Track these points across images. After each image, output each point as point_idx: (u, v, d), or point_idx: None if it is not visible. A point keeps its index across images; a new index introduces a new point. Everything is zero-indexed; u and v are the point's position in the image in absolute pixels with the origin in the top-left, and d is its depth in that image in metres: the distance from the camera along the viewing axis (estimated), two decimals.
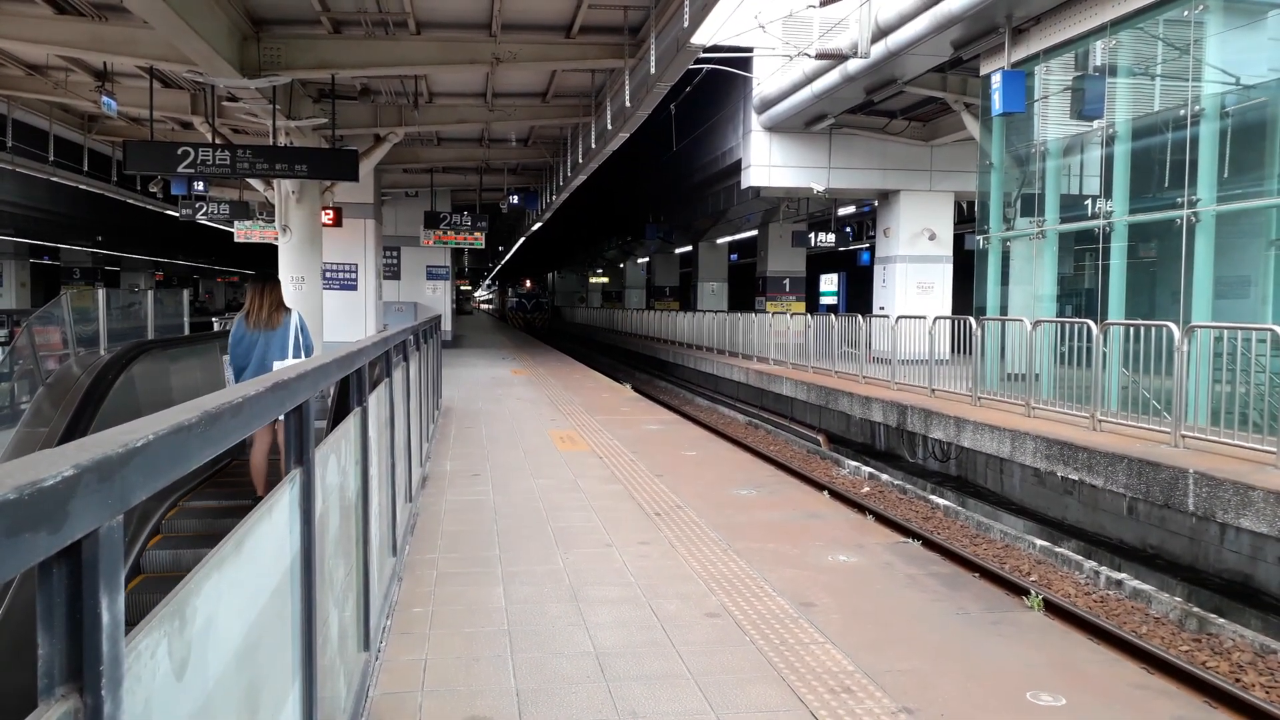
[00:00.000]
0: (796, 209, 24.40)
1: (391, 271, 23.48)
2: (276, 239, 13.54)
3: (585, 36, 11.65)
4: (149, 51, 10.57)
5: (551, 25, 11.45)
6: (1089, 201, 11.52)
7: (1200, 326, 8.08)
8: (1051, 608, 5.97)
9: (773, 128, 17.83)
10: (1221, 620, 6.10)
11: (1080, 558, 7.55)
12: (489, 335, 34.80)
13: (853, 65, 13.59)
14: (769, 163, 18.14)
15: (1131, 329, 8.56)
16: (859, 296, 27.77)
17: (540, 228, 30.49)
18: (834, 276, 28.97)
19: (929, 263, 18.14)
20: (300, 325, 6.42)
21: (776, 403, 16.77)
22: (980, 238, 13.06)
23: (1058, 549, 7.83)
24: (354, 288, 18.79)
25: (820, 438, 14.34)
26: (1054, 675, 3.58)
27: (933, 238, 18.13)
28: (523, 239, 37.00)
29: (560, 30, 11.59)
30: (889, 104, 16.57)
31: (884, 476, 11.05)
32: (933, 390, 11.69)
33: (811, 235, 24.27)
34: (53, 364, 8.35)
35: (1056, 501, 9.39)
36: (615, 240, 40.71)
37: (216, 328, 15.08)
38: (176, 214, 21.07)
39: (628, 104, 11.77)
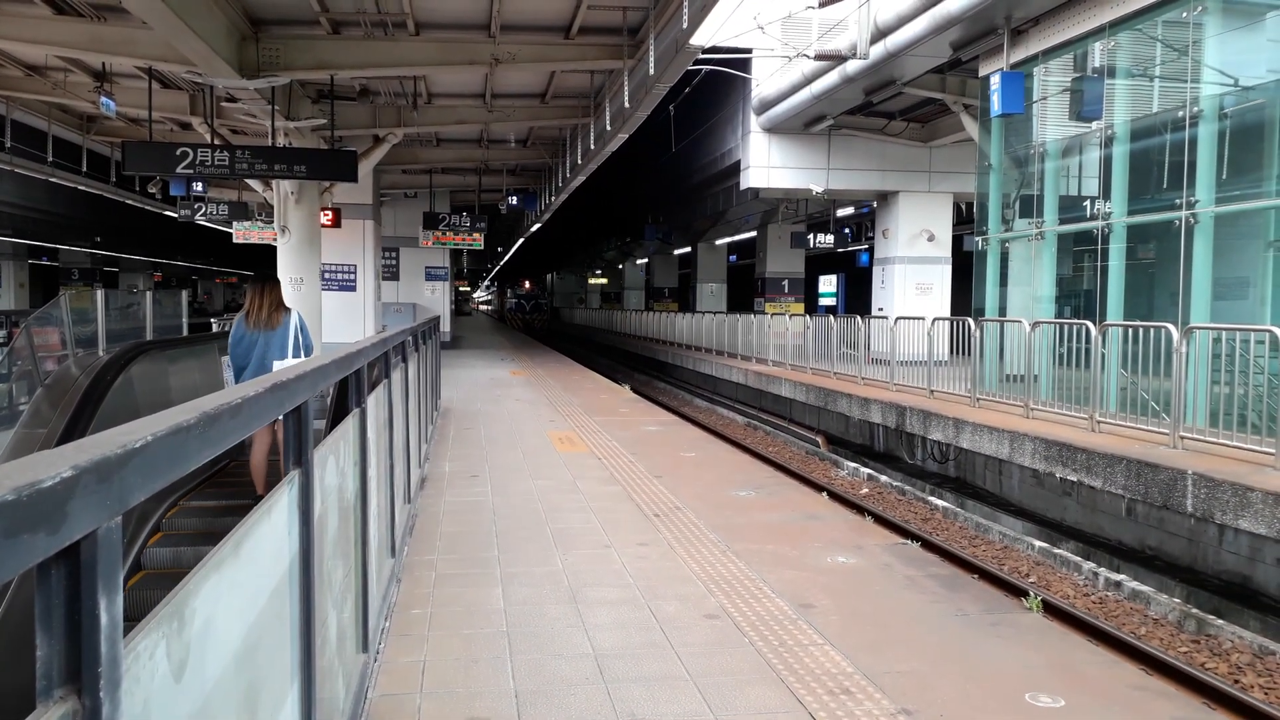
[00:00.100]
0: (795, 210, 24.41)
1: (390, 272, 23.45)
2: (275, 240, 13.51)
3: (584, 37, 11.64)
4: (148, 52, 10.56)
5: (550, 26, 11.45)
6: (1088, 203, 11.52)
7: (1199, 328, 8.07)
8: (1050, 609, 5.97)
9: (772, 129, 17.83)
10: (1220, 621, 6.11)
11: (1079, 559, 7.55)
12: (488, 336, 34.80)
13: (852, 66, 13.59)
14: (768, 164, 18.14)
15: (1130, 330, 8.56)
16: (858, 297, 27.81)
17: (539, 229, 30.48)
18: (833, 278, 29.01)
19: (928, 264, 18.14)
20: (300, 325, 6.43)
21: (775, 404, 16.77)
22: (979, 239, 13.06)
23: (1056, 550, 7.83)
24: (353, 289, 18.77)
25: (819, 439, 14.35)
26: (1053, 676, 3.58)
27: (931, 239, 18.13)
28: (521, 240, 36.98)
29: (559, 31, 11.59)
30: (888, 105, 16.57)
31: (883, 478, 11.05)
32: (931, 391, 11.69)
33: (810, 236, 24.25)
34: (51, 365, 8.33)
35: (1055, 503, 9.39)
36: (614, 241, 40.70)
37: (215, 329, 15.05)
38: (175, 215, 21.07)
39: (627, 105, 11.77)
